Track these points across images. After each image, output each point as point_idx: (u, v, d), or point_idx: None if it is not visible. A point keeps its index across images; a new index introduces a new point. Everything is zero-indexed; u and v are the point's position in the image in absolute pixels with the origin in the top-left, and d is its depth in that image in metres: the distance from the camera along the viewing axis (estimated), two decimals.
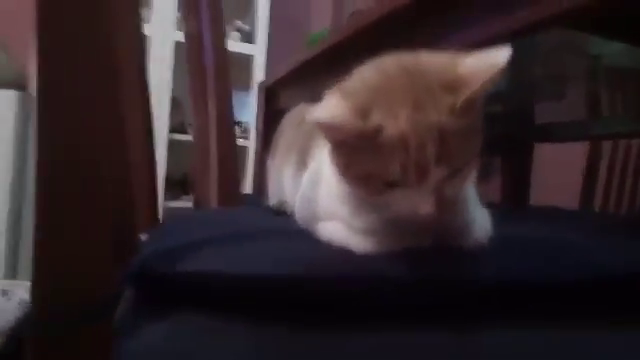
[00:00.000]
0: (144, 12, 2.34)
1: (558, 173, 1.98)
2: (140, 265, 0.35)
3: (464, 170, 0.35)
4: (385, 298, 0.33)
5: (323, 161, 0.40)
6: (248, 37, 2.63)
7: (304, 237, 0.41)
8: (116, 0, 0.57)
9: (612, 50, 1.04)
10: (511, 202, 1.90)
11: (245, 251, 0.37)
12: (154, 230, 0.51)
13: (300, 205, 0.47)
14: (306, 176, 0.48)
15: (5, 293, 1.12)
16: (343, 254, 0.37)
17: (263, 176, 0.67)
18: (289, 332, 0.31)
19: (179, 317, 0.32)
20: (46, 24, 0.42)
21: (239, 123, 2.69)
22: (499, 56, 0.33)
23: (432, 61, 0.36)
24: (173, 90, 2.34)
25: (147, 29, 2.32)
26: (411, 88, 0.34)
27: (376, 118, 0.33)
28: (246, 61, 2.56)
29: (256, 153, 2.02)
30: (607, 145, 1.80)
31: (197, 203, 0.98)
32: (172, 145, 2.39)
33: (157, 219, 0.64)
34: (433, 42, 0.85)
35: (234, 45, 2.54)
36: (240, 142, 2.55)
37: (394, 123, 0.32)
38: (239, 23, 2.67)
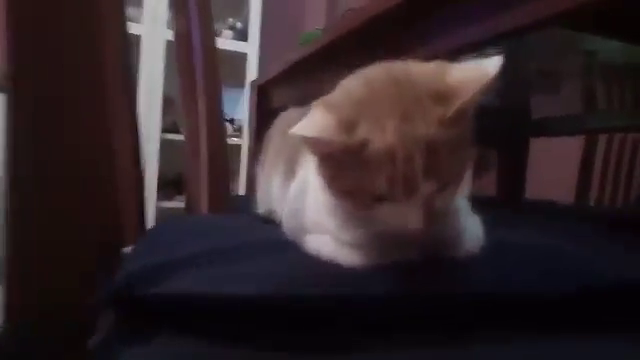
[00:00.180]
0: (135, 11, 2.32)
1: (554, 167, 1.98)
2: (120, 286, 0.34)
3: (454, 182, 0.34)
4: (374, 315, 0.32)
5: (310, 172, 0.39)
6: (241, 35, 2.61)
7: (291, 251, 0.40)
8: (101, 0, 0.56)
9: (607, 46, 1.03)
10: (506, 196, 1.90)
11: (229, 270, 0.36)
12: (139, 242, 0.50)
13: (287, 217, 0.46)
14: (293, 187, 0.46)
15: None
16: (330, 270, 0.36)
17: (255, 177, 0.66)
18: (274, 354, 0.30)
19: (160, 341, 0.31)
20: (26, 24, 0.40)
21: (232, 121, 2.67)
22: (490, 66, 0.32)
23: (420, 71, 0.35)
24: (165, 89, 2.32)
25: (138, 28, 2.30)
26: (398, 99, 0.32)
27: (362, 131, 0.32)
28: (239, 59, 2.54)
29: (249, 152, 2.01)
30: (602, 139, 1.80)
31: (188, 204, 0.97)
32: (165, 145, 2.37)
33: (144, 228, 0.63)
34: (426, 42, 0.84)
35: (227, 43, 2.52)
36: (234, 140, 2.53)
37: (381, 136, 0.31)
38: (232, 21, 2.65)
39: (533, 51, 1.25)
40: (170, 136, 2.37)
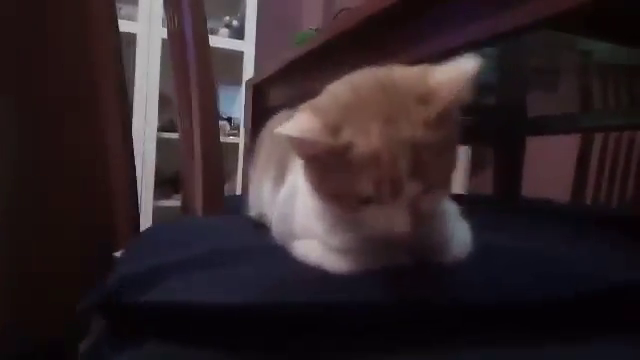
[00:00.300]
0: (131, 9, 2.31)
1: (550, 165, 1.99)
2: (108, 292, 0.34)
3: (440, 185, 0.34)
4: (361, 321, 0.32)
5: (299, 177, 0.39)
6: (238, 33, 2.61)
7: (280, 257, 0.40)
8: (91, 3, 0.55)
9: (602, 46, 1.03)
10: (502, 194, 1.91)
11: (217, 277, 0.36)
12: (130, 246, 0.50)
13: (276, 221, 0.46)
14: (283, 191, 0.46)
15: None
16: (317, 276, 0.36)
17: (248, 178, 0.66)
18: None
19: (149, 347, 0.31)
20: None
21: (229, 119, 2.67)
22: (468, 66, 0.33)
23: (404, 75, 0.35)
24: (162, 88, 2.32)
25: (134, 26, 2.29)
26: (382, 102, 0.33)
27: (347, 134, 0.32)
28: (236, 57, 2.54)
29: (245, 150, 2.00)
30: (598, 137, 1.80)
31: (184, 203, 0.97)
32: (162, 143, 2.37)
33: (138, 230, 0.63)
34: (420, 42, 0.84)
35: (224, 41, 2.52)
36: (231, 139, 2.53)
37: (365, 138, 0.32)
38: (228, 19, 2.64)
39: (529, 49, 1.25)
40: (167, 134, 2.37)
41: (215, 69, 0.90)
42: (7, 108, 0.41)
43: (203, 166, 0.85)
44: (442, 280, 0.36)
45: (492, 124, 1.92)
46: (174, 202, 2.41)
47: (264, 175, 0.55)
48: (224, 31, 2.60)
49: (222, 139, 2.43)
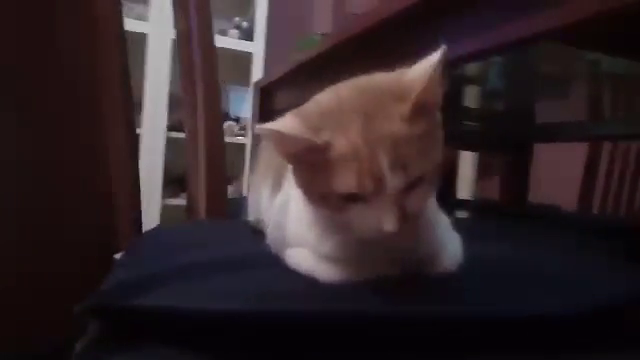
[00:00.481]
0: (142, 9, 2.33)
1: (557, 173, 1.98)
2: (105, 295, 0.34)
3: (424, 181, 0.34)
4: (348, 333, 0.32)
5: (292, 184, 0.40)
6: (247, 34, 2.62)
7: (273, 266, 0.41)
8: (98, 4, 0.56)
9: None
10: (509, 200, 1.90)
11: (212, 283, 0.37)
12: (130, 248, 0.51)
13: (271, 230, 0.47)
14: (278, 199, 0.47)
15: None
16: (308, 286, 0.37)
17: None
18: None
19: (144, 352, 0.31)
20: None
21: (237, 119, 2.68)
22: (433, 57, 0.34)
23: (382, 78, 0.36)
24: (172, 88, 2.34)
25: (145, 26, 2.31)
26: (361, 104, 0.34)
27: (326, 135, 0.33)
28: (245, 58, 2.55)
29: (252, 152, 2.01)
30: (606, 146, 1.79)
31: (189, 204, 0.98)
32: (171, 143, 2.38)
33: (140, 232, 0.64)
34: (427, 50, 0.84)
35: (233, 42, 2.53)
36: (239, 139, 2.54)
37: (344, 136, 0.33)
38: (238, 20, 2.66)
39: (538, 56, 1.25)
40: (176, 134, 2.38)
41: (224, 70, 0.91)
42: (6, 107, 0.42)
43: (207, 168, 0.86)
44: (429, 293, 0.36)
45: (500, 130, 1.92)
46: (181, 201, 2.43)
47: (263, 181, 0.55)
48: (234, 32, 2.62)
49: (230, 139, 2.45)
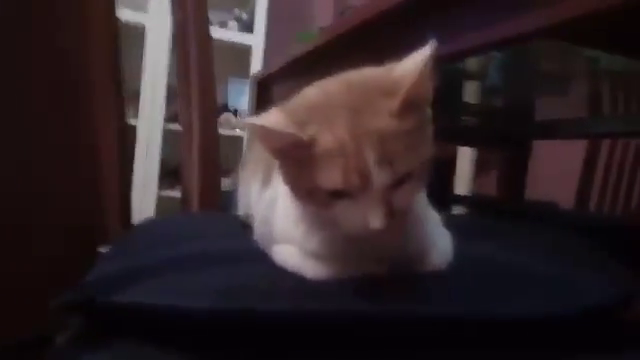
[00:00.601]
0: (141, 0, 2.31)
1: (555, 170, 1.97)
2: (86, 290, 0.34)
3: (413, 177, 0.34)
4: (331, 331, 0.32)
5: (280, 181, 0.39)
6: (247, 27, 2.60)
7: (259, 262, 0.40)
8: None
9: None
10: (506, 197, 1.90)
11: (196, 279, 0.36)
12: (117, 242, 0.50)
13: (258, 225, 0.46)
14: (267, 194, 0.47)
15: None
16: (294, 283, 0.36)
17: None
18: None
19: (122, 347, 0.31)
20: None
21: (236, 112, 2.67)
22: (423, 52, 0.33)
23: (371, 73, 0.36)
24: (170, 79, 2.32)
25: (144, 17, 2.29)
26: (349, 99, 0.33)
27: (312, 129, 0.32)
28: (244, 50, 2.54)
29: (247, 145, 2.00)
30: (605, 144, 1.78)
31: (183, 196, 0.97)
32: (168, 134, 2.37)
33: (129, 224, 0.63)
34: (425, 43, 0.83)
35: (232, 34, 2.52)
36: (237, 132, 2.53)
37: (330, 130, 0.32)
38: (238, 12, 2.64)
39: (538, 53, 1.24)
40: (173, 126, 2.37)
41: (224, 62, 0.90)
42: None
43: (200, 160, 0.85)
44: (416, 292, 0.35)
45: (498, 126, 1.92)
46: (178, 193, 2.42)
47: (252, 176, 0.55)
48: (233, 24, 2.60)
49: (227, 132, 2.44)
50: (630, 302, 0.38)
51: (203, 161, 0.87)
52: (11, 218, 0.42)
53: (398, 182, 0.33)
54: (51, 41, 0.44)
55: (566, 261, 0.45)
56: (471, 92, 1.70)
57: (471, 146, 2.52)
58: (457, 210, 2.05)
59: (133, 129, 2.29)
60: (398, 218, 0.34)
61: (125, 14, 2.22)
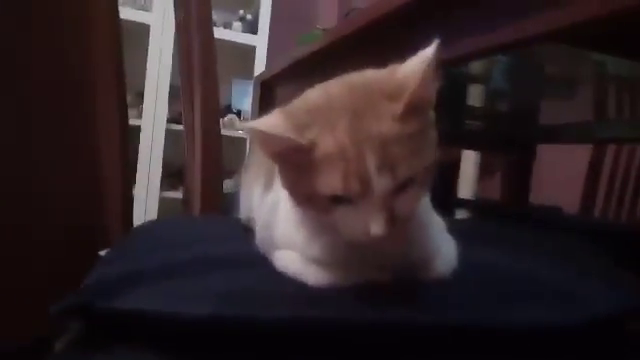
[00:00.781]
0: (145, 0, 2.31)
1: (560, 174, 1.96)
2: (84, 295, 0.33)
3: (415, 183, 0.33)
4: (332, 340, 0.31)
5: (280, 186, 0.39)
6: (251, 27, 2.60)
7: (260, 267, 0.40)
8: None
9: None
10: (510, 201, 1.89)
11: (196, 284, 0.36)
12: (116, 245, 0.49)
13: (260, 230, 0.45)
14: (268, 198, 0.46)
15: None
16: (295, 290, 0.35)
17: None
18: None
19: (121, 353, 0.30)
20: None
21: (239, 113, 2.67)
22: (426, 52, 0.32)
23: (374, 75, 0.35)
24: (173, 79, 2.32)
25: (148, 17, 2.30)
26: (351, 102, 0.33)
27: (313, 133, 0.32)
28: (248, 51, 2.54)
29: (250, 146, 2.00)
30: (610, 149, 1.77)
31: (185, 197, 0.97)
32: (171, 135, 2.37)
33: (130, 226, 0.62)
34: (428, 44, 0.83)
35: (236, 35, 2.52)
36: (240, 133, 2.53)
37: (331, 135, 0.31)
38: (242, 12, 2.64)
39: (544, 57, 1.23)
40: (176, 126, 2.37)
41: (228, 62, 0.90)
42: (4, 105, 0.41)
43: (202, 162, 0.85)
44: (419, 300, 0.35)
45: (503, 130, 1.91)
46: (180, 194, 2.42)
47: (255, 179, 0.54)
48: (237, 25, 2.60)
49: (230, 133, 2.44)
50: (637, 311, 0.37)
51: (206, 163, 0.87)
52: (11, 218, 0.42)
53: (400, 187, 0.32)
54: (52, 41, 0.44)
55: (571, 268, 0.44)
56: (475, 95, 1.69)
57: (475, 150, 2.51)
58: (461, 214, 2.04)
59: (136, 129, 2.29)
60: (400, 224, 0.33)
61: (129, 13, 2.22)
